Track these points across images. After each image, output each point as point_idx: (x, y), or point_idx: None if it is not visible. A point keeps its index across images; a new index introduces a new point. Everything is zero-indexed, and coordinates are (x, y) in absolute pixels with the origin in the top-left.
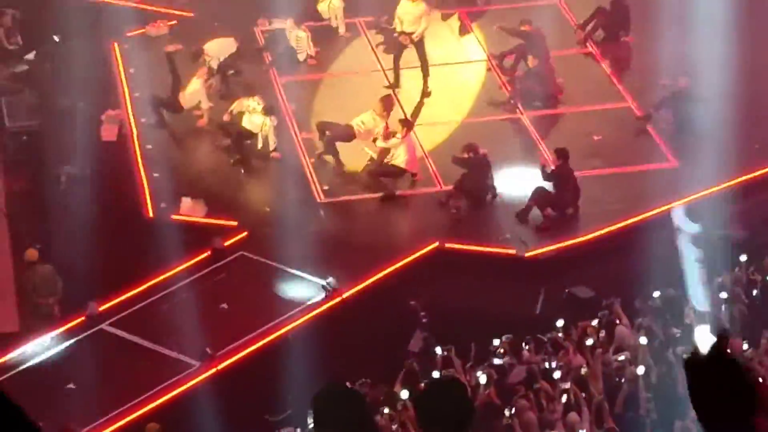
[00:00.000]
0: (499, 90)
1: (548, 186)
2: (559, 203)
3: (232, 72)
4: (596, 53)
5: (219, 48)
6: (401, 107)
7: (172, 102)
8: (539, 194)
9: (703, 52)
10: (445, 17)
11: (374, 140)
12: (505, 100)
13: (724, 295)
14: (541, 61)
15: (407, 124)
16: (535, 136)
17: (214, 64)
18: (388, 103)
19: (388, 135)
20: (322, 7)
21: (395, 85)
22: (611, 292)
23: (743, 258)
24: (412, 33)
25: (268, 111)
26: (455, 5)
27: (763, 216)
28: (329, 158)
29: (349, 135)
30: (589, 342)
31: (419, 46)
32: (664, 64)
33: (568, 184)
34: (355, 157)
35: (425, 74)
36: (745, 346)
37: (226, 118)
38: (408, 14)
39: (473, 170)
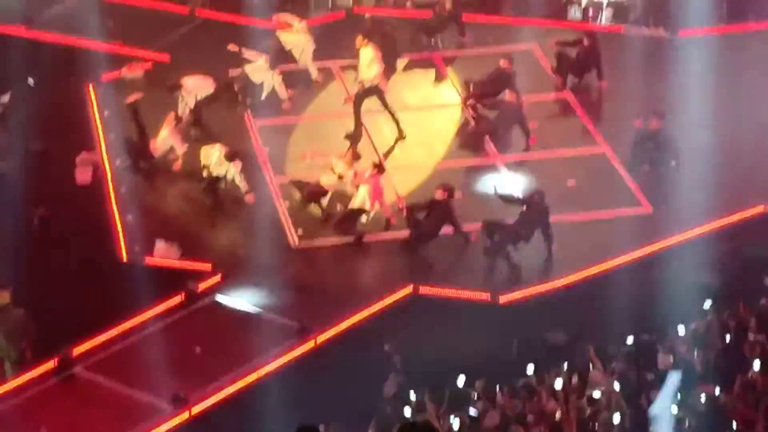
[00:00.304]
0: (472, 132)
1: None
2: (516, 232)
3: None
4: (571, 98)
5: (196, 85)
6: (375, 150)
7: (142, 150)
8: (489, 227)
9: (677, 98)
10: (411, 65)
11: (340, 177)
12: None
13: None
14: (518, 97)
15: (378, 166)
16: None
17: (190, 100)
18: (355, 154)
19: (359, 176)
20: (285, 38)
21: (357, 133)
22: (585, 337)
23: (717, 303)
24: (365, 79)
25: (230, 157)
26: (430, 50)
27: (736, 262)
28: (313, 210)
29: (321, 192)
30: (563, 387)
31: (376, 90)
32: (638, 109)
33: (533, 219)
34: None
35: (395, 119)
36: (717, 391)
37: (205, 174)
38: (362, 60)
39: (435, 213)
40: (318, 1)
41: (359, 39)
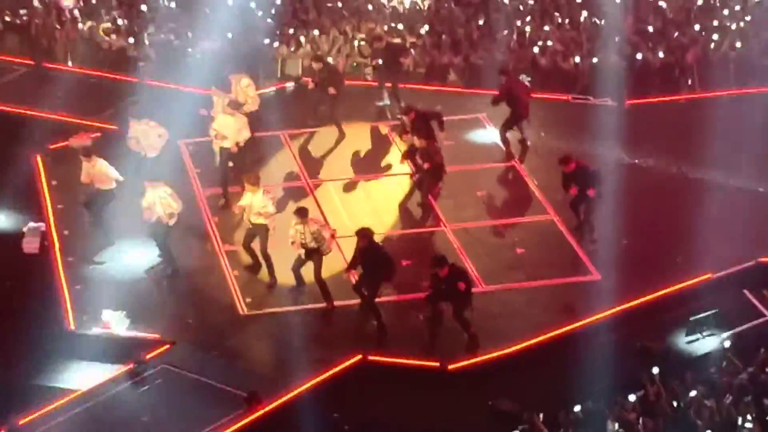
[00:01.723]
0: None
1: None
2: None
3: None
4: (519, 166)
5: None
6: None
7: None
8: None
9: (625, 164)
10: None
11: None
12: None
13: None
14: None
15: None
16: (458, 248)
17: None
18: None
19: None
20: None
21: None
22: (533, 404)
23: (665, 371)
24: (229, 146)
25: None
26: (377, 119)
27: (684, 329)
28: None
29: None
30: None
31: (238, 157)
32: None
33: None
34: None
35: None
36: None
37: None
38: (228, 127)
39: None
40: (267, 70)
41: (228, 109)
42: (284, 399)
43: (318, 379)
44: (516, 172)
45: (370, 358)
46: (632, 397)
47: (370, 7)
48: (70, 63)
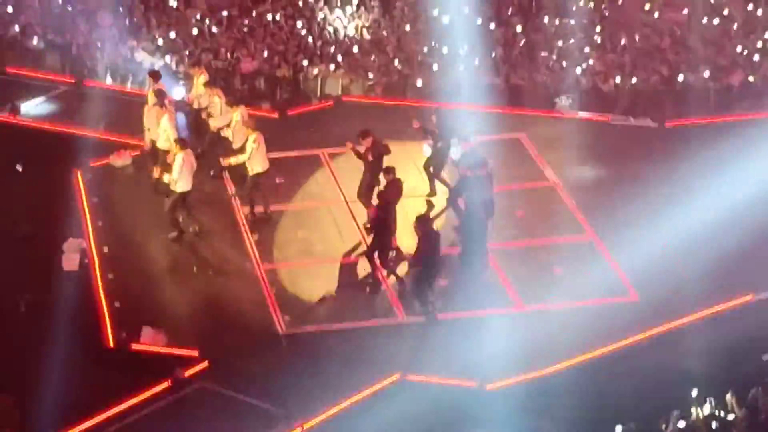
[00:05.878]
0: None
1: None
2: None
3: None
4: (558, 186)
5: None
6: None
7: None
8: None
9: (663, 186)
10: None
11: None
12: None
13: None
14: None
15: None
16: (497, 268)
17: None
18: None
19: None
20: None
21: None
22: (572, 425)
23: (705, 392)
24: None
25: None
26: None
27: (724, 351)
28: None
29: None
30: None
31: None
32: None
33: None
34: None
35: None
36: None
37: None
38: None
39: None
40: (307, 89)
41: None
42: (322, 418)
43: (356, 398)
44: (555, 193)
45: (409, 377)
46: (675, 418)
47: (408, 27)
48: (110, 81)
